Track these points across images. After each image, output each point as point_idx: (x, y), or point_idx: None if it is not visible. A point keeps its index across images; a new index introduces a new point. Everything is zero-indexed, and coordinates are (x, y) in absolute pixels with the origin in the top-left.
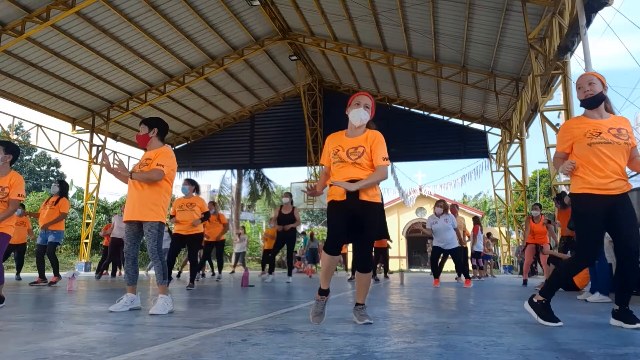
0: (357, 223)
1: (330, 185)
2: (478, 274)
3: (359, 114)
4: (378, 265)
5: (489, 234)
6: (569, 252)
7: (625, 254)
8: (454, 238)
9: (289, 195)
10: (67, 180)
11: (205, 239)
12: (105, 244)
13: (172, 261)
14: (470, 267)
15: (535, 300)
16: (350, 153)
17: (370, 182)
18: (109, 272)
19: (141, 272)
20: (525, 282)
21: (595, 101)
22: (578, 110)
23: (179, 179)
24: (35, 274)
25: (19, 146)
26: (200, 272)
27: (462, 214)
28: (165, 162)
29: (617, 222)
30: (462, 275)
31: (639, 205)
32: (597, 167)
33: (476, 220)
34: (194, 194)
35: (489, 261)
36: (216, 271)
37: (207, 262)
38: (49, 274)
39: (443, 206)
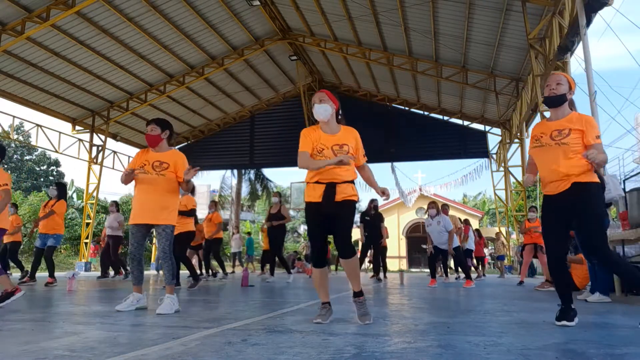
0: (332, 221)
1: (308, 182)
2: (477, 273)
3: (321, 109)
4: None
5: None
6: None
7: (585, 251)
8: (446, 241)
9: (278, 194)
10: (67, 179)
11: (205, 236)
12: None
13: (177, 264)
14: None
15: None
16: (336, 151)
17: (372, 181)
18: (111, 272)
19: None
20: (521, 283)
21: (556, 101)
22: (578, 110)
23: None
24: (41, 275)
25: (9, 145)
26: (208, 271)
27: (462, 214)
28: (185, 167)
29: (577, 221)
30: (463, 275)
31: (639, 205)
32: (539, 171)
33: (466, 222)
34: (188, 193)
35: (503, 261)
36: (218, 271)
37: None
38: (42, 274)
39: (435, 207)
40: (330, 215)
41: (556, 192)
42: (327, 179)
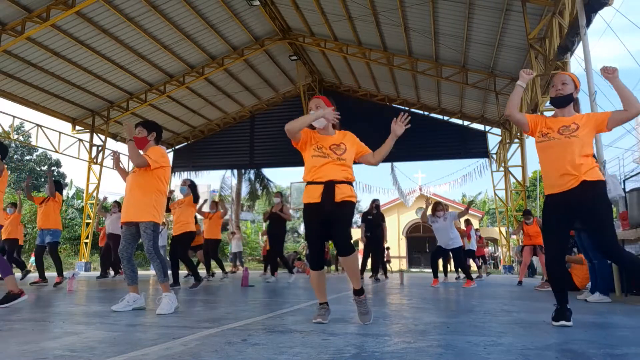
0: (331, 223)
1: (307, 184)
2: (478, 273)
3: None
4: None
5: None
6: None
7: (600, 252)
8: (456, 237)
9: (280, 194)
10: (67, 180)
11: (205, 237)
12: (101, 244)
13: (176, 264)
14: (475, 267)
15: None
16: (334, 149)
17: (386, 150)
18: (111, 272)
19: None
20: (520, 283)
21: (563, 101)
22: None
23: (178, 179)
24: (36, 275)
25: (10, 145)
26: (209, 272)
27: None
28: (152, 155)
29: (583, 220)
30: (463, 275)
31: (639, 205)
32: (546, 167)
33: (467, 222)
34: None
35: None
36: (218, 272)
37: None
38: (51, 274)
39: (443, 208)
40: (329, 217)
41: (563, 189)
42: (325, 177)
